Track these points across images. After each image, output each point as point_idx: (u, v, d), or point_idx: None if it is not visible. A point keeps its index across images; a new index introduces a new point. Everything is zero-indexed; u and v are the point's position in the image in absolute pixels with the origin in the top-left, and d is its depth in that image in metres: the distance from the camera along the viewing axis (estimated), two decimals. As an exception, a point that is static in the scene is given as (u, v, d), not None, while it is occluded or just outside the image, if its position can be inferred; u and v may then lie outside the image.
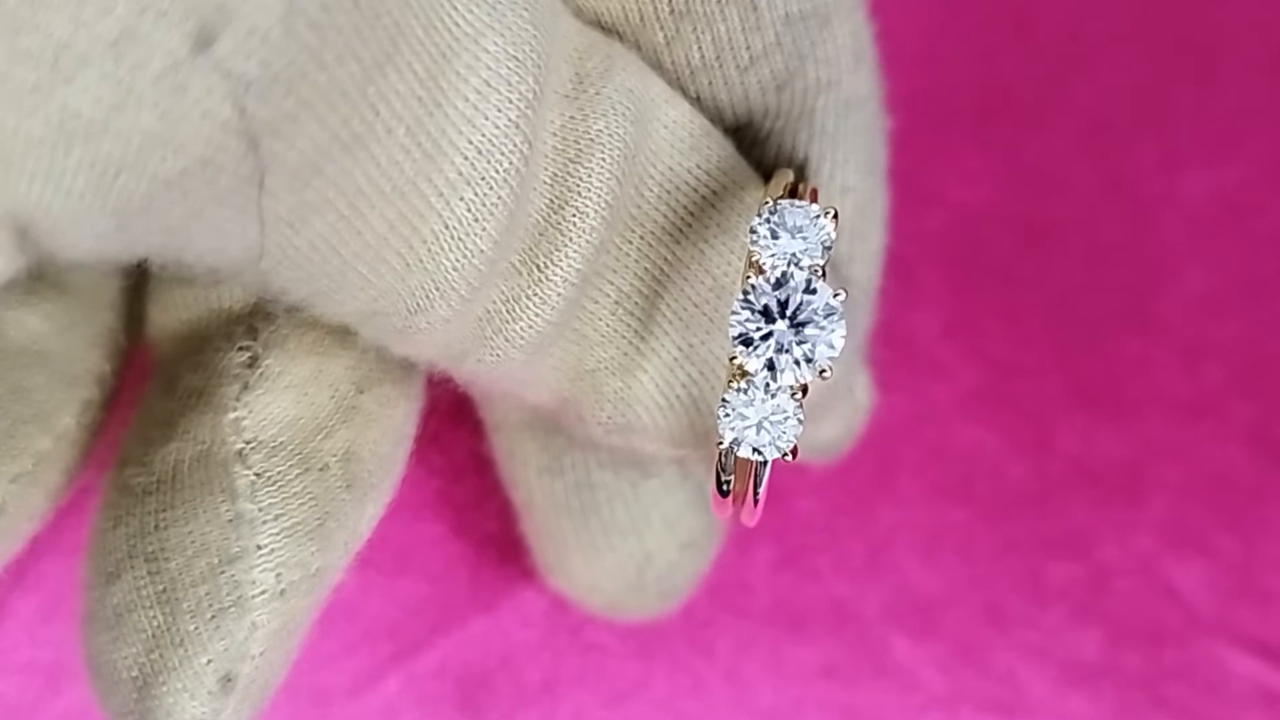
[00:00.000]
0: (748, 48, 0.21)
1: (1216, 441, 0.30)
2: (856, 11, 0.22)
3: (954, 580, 0.29)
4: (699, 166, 0.21)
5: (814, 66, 0.22)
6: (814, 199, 0.21)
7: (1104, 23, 0.31)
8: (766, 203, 0.20)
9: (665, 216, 0.21)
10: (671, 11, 0.21)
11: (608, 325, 0.21)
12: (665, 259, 0.21)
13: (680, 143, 0.21)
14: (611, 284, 0.21)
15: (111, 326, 0.23)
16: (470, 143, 0.18)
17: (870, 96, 0.23)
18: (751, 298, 0.20)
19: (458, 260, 0.19)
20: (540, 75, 0.19)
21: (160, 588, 0.20)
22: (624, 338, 0.22)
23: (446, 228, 0.19)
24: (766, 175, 0.22)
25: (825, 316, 0.20)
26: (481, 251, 0.19)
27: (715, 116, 0.22)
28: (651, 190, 0.21)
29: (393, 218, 0.18)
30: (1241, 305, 0.30)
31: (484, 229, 0.19)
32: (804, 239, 0.20)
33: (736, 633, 0.29)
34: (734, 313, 0.20)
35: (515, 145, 0.19)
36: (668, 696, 0.29)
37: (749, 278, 0.20)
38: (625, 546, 0.26)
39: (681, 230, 0.21)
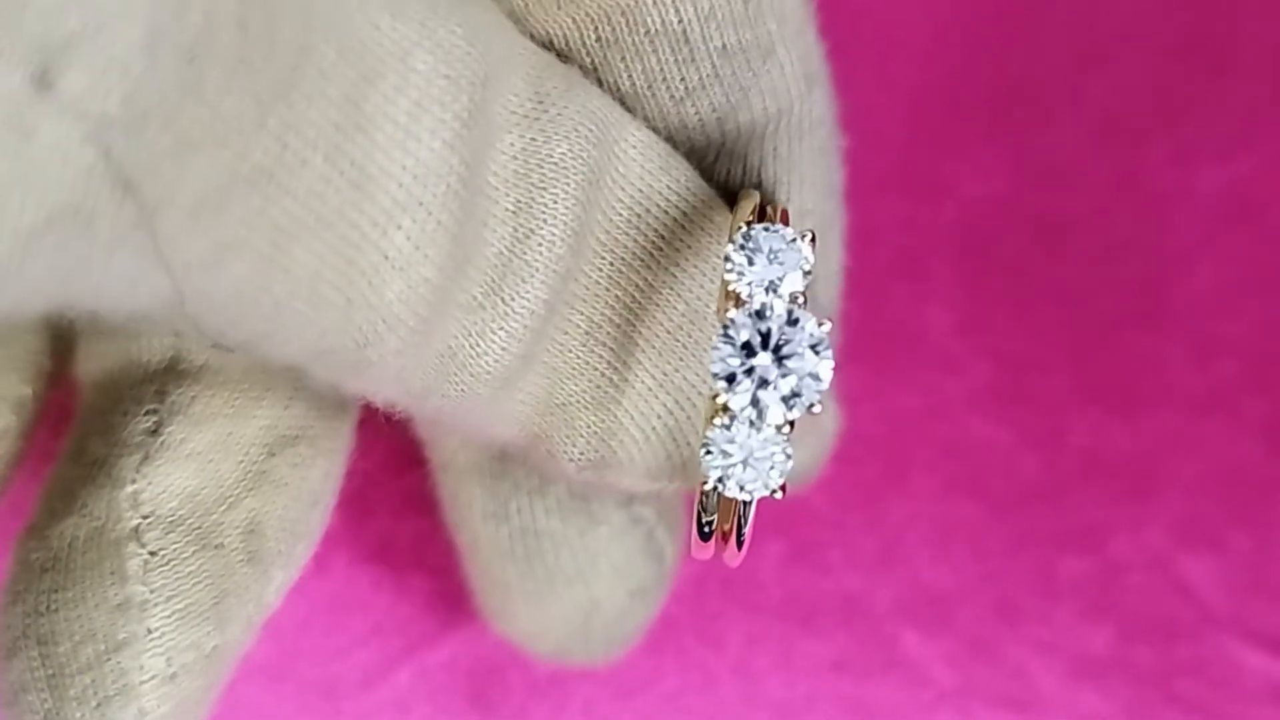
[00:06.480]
0: (682, 80, 0.20)
1: (1229, 437, 0.29)
2: (805, 34, 0.21)
3: (965, 575, 0.29)
4: (669, 188, 0.20)
5: (759, 99, 0.21)
6: (785, 221, 0.20)
7: (1117, 16, 0.31)
8: (740, 228, 0.19)
9: (636, 241, 0.20)
10: (598, 40, 0.20)
11: (578, 357, 0.21)
12: (637, 285, 0.21)
13: (649, 163, 0.20)
14: (581, 314, 0.20)
15: (33, 348, 0.23)
16: (403, 168, 0.17)
17: (824, 119, 0.22)
18: (731, 332, 0.19)
19: (403, 291, 0.18)
20: (476, 93, 0.18)
21: (50, 672, 0.20)
22: (596, 369, 0.21)
23: (386, 259, 0.18)
24: (725, 197, 0.21)
25: (810, 348, 0.19)
26: (427, 280, 0.18)
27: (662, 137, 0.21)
28: (620, 214, 0.20)
29: (323, 252, 0.17)
30: (1254, 300, 0.30)
31: (427, 256, 0.18)
32: (781, 265, 0.19)
33: (747, 627, 0.29)
34: (714, 348, 0.19)
35: (452, 167, 0.18)
36: (677, 690, 0.29)
37: (727, 310, 0.19)
38: (571, 594, 0.25)
39: (653, 255, 0.21)
